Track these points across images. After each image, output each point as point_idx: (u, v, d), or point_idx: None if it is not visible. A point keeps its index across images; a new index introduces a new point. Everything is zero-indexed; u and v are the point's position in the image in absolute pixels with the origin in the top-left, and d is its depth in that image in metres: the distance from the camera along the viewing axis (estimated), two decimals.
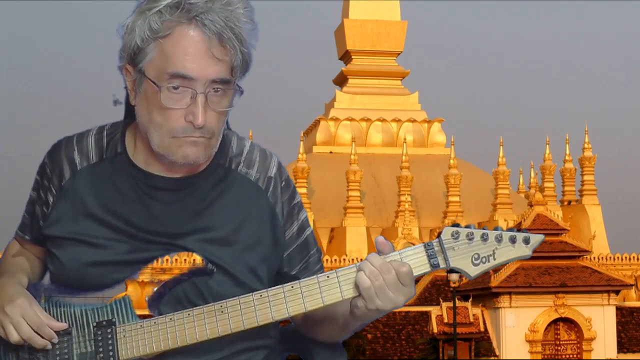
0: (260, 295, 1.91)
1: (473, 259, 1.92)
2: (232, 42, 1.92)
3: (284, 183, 2.08)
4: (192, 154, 1.93)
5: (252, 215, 2.02)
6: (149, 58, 1.92)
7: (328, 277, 1.92)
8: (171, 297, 1.99)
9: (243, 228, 2.01)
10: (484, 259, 1.92)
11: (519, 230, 1.92)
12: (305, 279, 1.94)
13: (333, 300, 1.92)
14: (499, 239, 1.93)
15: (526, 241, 1.92)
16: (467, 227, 1.94)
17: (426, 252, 1.93)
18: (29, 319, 1.95)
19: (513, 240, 1.92)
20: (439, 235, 1.95)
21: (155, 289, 2.01)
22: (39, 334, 1.96)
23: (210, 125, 1.93)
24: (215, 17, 1.90)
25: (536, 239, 1.92)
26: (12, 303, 1.96)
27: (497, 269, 34.29)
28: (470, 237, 1.93)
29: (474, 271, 1.93)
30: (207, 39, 1.90)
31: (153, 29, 1.91)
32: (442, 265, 1.92)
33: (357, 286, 1.92)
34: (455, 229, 1.94)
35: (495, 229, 1.94)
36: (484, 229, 1.94)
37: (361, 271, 1.92)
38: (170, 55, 1.91)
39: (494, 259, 1.92)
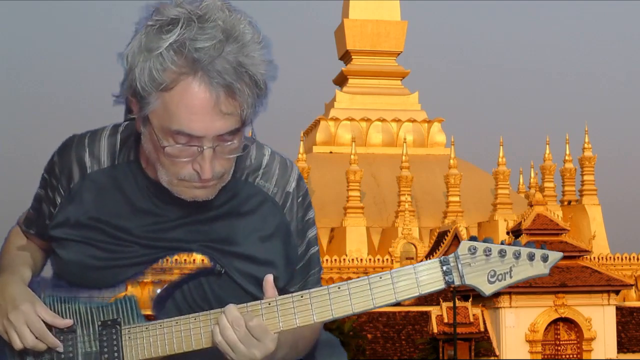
0: (269, 304, 1.88)
1: (489, 276, 1.86)
2: (243, 92, 1.79)
3: (300, 199, 2.03)
4: (201, 195, 1.88)
5: (266, 231, 1.98)
6: (151, 108, 1.81)
7: (339, 288, 1.89)
8: (178, 297, 1.98)
9: (257, 244, 1.97)
10: (500, 277, 1.86)
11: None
12: (315, 289, 1.90)
13: (343, 313, 1.89)
14: (516, 256, 1.86)
15: (544, 259, 1.86)
16: (484, 241, 1.87)
17: (441, 268, 1.88)
18: (33, 327, 1.93)
19: (531, 257, 1.86)
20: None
21: (161, 289, 1.99)
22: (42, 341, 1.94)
23: (219, 170, 1.85)
24: (225, 65, 1.76)
25: (554, 256, 1.86)
26: (16, 310, 1.94)
27: None
28: (487, 252, 1.86)
29: (489, 289, 1.87)
30: (215, 95, 1.77)
31: (155, 80, 1.77)
32: (457, 282, 1.87)
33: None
34: (473, 243, 1.87)
35: (514, 243, 1.88)
36: (501, 243, 1.88)
37: (216, 325, 1.87)
38: (174, 113, 1.78)
39: (511, 277, 1.87)
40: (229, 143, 1.84)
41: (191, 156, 1.83)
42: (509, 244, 1.89)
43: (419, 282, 1.88)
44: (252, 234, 1.98)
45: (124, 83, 1.84)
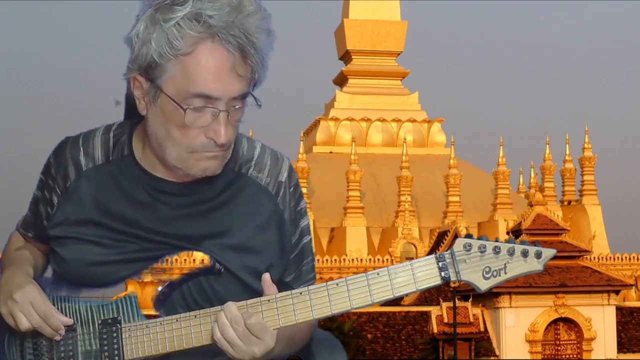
0: (268, 300, 1.90)
1: (484, 272, 1.89)
2: (253, 57, 1.88)
3: (292, 189, 2.07)
4: (210, 167, 1.92)
5: (261, 221, 2.02)
6: (168, 75, 1.87)
7: (337, 284, 1.91)
8: (177, 296, 1.99)
9: (252, 234, 2.00)
10: (495, 273, 1.89)
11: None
12: (314, 286, 1.92)
13: (341, 309, 1.91)
14: (510, 253, 1.89)
15: (538, 255, 1.89)
16: (479, 238, 1.91)
17: (437, 264, 1.90)
18: (38, 307, 1.95)
19: (525, 254, 1.89)
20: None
21: (161, 287, 2.00)
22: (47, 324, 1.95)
23: (228, 139, 1.91)
24: (237, 31, 1.85)
25: (548, 253, 1.89)
26: (22, 290, 1.96)
27: None
28: (482, 249, 1.89)
29: (484, 285, 1.90)
30: (232, 57, 1.86)
31: (174, 46, 1.84)
32: (453, 277, 1.90)
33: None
34: (468, 240, 1.90)
35: (508, 241, 1.91)
36: (496, 240, 1.91)
37: (215, 323, 1.89)
38: (194, 75, 1.85)
39: (505, 273, 1.89)
40: (238, 107, 1.91)
41: (206, 123, 1.89)
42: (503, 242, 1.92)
43: (416, 278, 1.91)
44: (248, 223, 2.01)
45: (134, 61, 1.90)
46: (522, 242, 1.90)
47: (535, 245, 1.91)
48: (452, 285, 32.45)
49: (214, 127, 1.88)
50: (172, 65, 1.87)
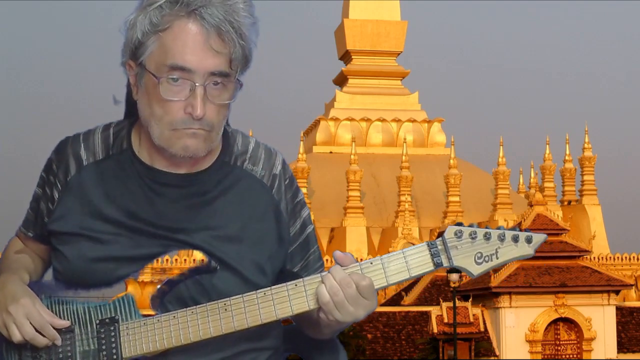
0: (264, 294, 1.92)
1: (476, 257, 1.92)
2: (230, 35, 1.94)
3: (287, 181, 2.10)
4: (191, 146, 1.95)
5: (257, 212, 2.04)
6: (149, 51, 1.95)
7: None
8: (174, 295, 2.00)
9: (249, 225, 2.02)
10: (486, 258, 1.92)
11: (521, 229, 1.92)
12: (309, 277, 1.95)
13: None
14: (501, 238, 1.93)
15: (528, 240, 1.93)
16: (470, 226, 1.94)
17: (429, 251, 1.93)
18: (32, 319, 1.96)
19: (515, 239, 1.93)
20: (441, 234, 1.94)
21: (159, 287, 2.01)
22: (42, 334, 1.96)
23: (209, 118, 1.95)
24: (214, 10, 1.93)
25: (538, 238, 1.93)
26: (16, 302, 1.97)
27: (497, 269, 34.32)
28: (473, 236, 1.92)
29: (476, 270, 1.93)
30: (206, 31, 1.93)
31: (153, 23, 1.94)
32: (446, 264, 1.92)
33: (317, 298, 1.92)
34: (458, 227, 1.93)
35: (498, 228, 1.94)
36: (486, 227, 1.94)
37: (322, 285, 1.92)
38: (170, 48, 1.93)
39: (497, 258, 1.93)
40: (218, 85, 1.96)
41: (184, 97, 1.94)
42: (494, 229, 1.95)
43: (409, 265, 1.94)
44: (244, 214, 2.03)
45: (125, 46, 2.00)
46: (512, 229, 1.92)
47: (526, 231, 1.93)
48: (453, 285, 32.44)
49: (191, 102, 1.94)
50: (152, 42, 1.95)
